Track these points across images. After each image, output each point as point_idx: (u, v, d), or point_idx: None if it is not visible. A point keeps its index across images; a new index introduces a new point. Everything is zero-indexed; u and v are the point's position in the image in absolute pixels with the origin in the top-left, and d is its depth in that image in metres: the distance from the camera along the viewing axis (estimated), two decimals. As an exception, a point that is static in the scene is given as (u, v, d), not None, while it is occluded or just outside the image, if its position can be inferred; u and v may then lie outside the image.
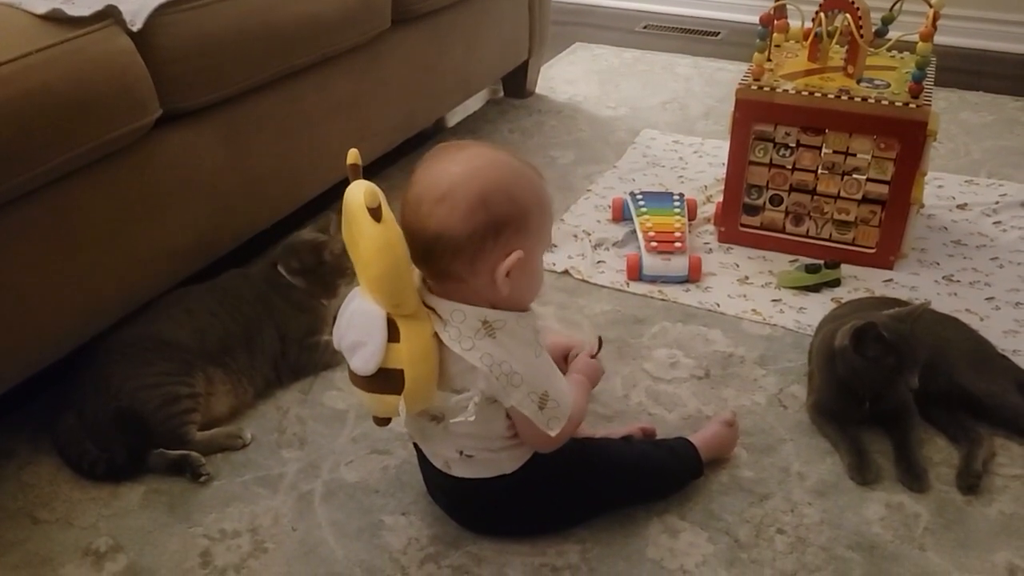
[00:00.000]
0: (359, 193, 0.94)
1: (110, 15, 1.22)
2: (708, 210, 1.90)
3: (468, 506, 1.14)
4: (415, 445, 1.15)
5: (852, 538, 1.13)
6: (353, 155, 0.99)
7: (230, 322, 1.35)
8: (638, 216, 1.79)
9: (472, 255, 0.96)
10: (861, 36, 1.60)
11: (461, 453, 1.06)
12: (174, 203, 1.38)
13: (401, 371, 0.97)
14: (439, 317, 0.99)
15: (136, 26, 1.24)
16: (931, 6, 1.57)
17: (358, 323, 0.99)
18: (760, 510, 1.17)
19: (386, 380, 0.98)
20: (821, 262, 1.66)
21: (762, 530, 1.14)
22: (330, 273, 1.44)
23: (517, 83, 2.56)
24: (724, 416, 1.27)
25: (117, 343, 1.29)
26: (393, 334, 0.96)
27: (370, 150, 1.88)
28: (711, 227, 1.85)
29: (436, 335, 0.98)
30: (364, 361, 0.98)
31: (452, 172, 0.96)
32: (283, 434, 1.31)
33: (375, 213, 0.93)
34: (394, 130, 1.96)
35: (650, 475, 1.18)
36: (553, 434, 1.02)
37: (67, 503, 1.18)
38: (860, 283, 1.66)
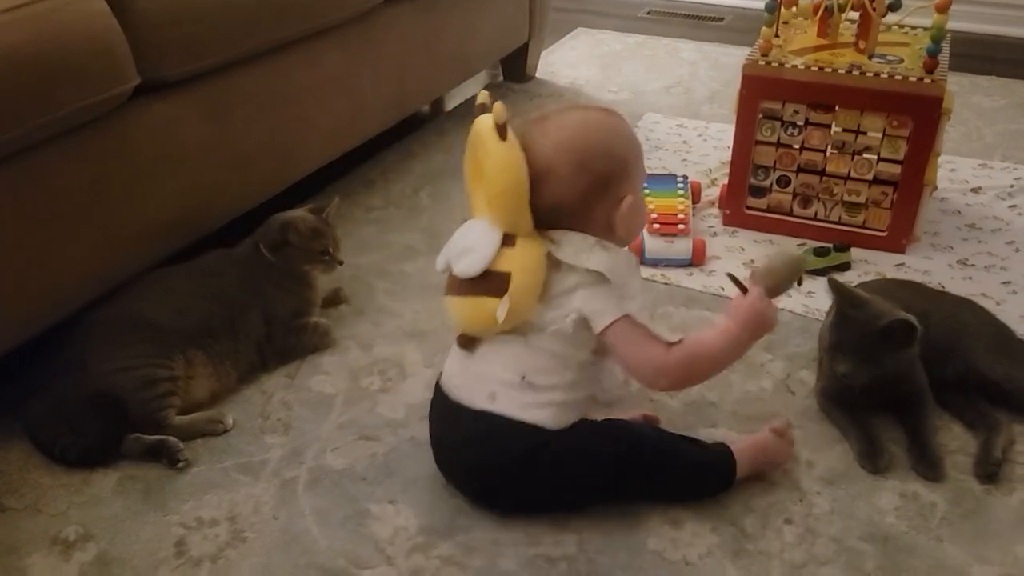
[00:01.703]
0: (487, 117, 1.01)
1: (85, -23, 1.16)
2: (712, 193, 1.84)
3: (489, 461, 1.05)
4: (435, 401, 1.12)
5: (865, 529, 1.07)
6: (483, 96, 1.04)
7: (213, 303, 1.29)
8: (640, 198, 1.73)
9: (586, 213, 1.04)
10: (874, 9, 1.54)
11: (523, 378, 1.04)
12: (155, 177, 1.32)
13: (508, 274, 1.00)
14: (551, 240, 1.04)
15: (113, -11, 1.18)
16: (946, -23, 1.50)
17: (472, 234, 1.04)
18: (767, 499, 1.11)
19: (490, 282, 1.01)
20: (830, 245, 1.60)
21: (769, 520, 1.08)
22: (294, 255, 1.37)
23: (517, 67, 2.50)
24: (774, 424, 1.17)
25: (93, 323, 1.23)
26: (508, 240, 1.01)
27: (363, 128, 1.83)
28: (716, 210, 1.79)
29: (548, 256, 1.02)
30: (472, 263, 1.01)
31: (547, 148, 1.02)
32: (267, 419, 1.25)
33: (501, 131, 0.99)
34: (388, 108, 1.90)
35: (679, 477, 1.10)
36: (671, 341, 1.04)
37: (37, 490, 1.13)
38: (871, 267, 1.60)
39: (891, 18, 1.64)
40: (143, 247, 1.34)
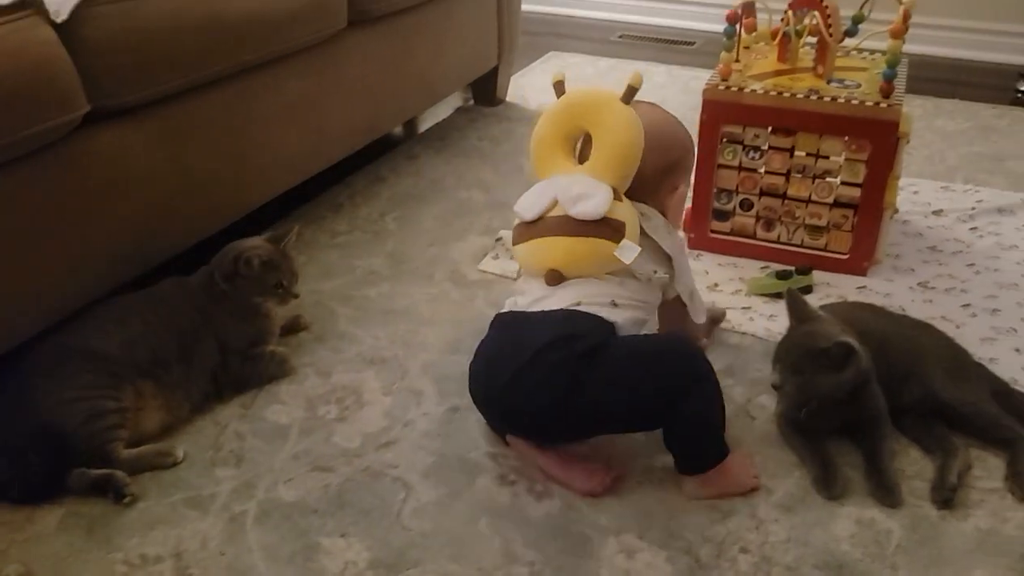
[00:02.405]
0: (593, 86, 1.24)
1: (32, 4, 1.15)
2: (677, 216, 1.84)
3: (559, 344, 1.10)
4: (498, 323, 1.20)
5: (820, 556, 1.06)
6: (559, 75, 1.28)
7: (164, 333, 1.27)
8: (603, 222, 1.73)
9: (653, 187, 1.24)
10: (830, 35, 1.55)
11: (612, 301, 1.16)
12: (106, 205, 1.31)
13: (623, 223, 1.16)
14: (639, 212, 1.21)
15: (61, 17, 1.17)
16: (901, 3, 1.52)
17: (583, 183, 1.18)
18: (723, 528, 1.10)
19: (608, 227, 1.15)
20: (792, 268, 1.60)
21: (725, 549, 1.07)
22: (245, 287, 1.34)
23: (487, 90, 2.50)
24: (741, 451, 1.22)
25: (39, 354, 1.21)
26: (616, 194, 1.17)
27: (328, 154, 1.82)
28: (681, 234, 1.78)
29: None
30: (596, 206, 1.15)
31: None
32: (219, 451, 1.23)
33: (631, 93, 1.19)
34: (354, 133, 1.89)
35: (704, 414, 1.12)
36: (700, 321, 1.29)
37: (-22, 527, 1.10)
38: (833, 290, 1.60)
39: (848, 43, 1.65)
40: (92, 276, 1.32)
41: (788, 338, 1.22)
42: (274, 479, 1.18)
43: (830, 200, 1.61)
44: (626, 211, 1.17)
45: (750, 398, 1.33)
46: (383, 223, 1.87)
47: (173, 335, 1.28)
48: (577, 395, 1.09)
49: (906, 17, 1.51)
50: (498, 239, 1.76)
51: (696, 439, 1.12)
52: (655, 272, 1.21)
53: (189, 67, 1.37)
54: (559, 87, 1.26)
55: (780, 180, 1.63)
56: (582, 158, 1.24)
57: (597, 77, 2.76)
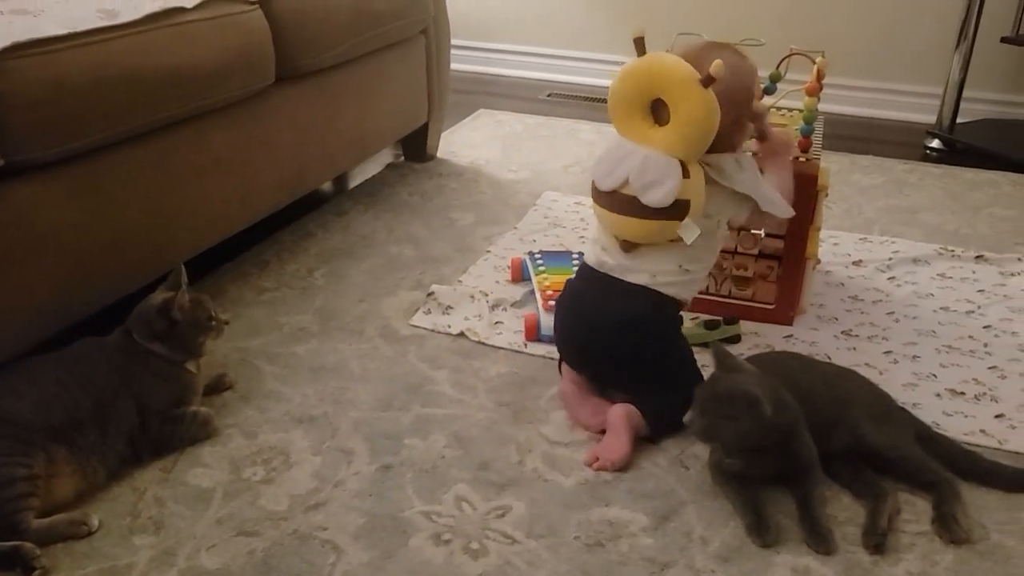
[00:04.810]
0: (678, 60, 1.26)
1: (-58, 56, 1.11)
2: (608, 269, 1.86)
3: (632, 315, 1.33)
4: (582, 274, 1.42)
5: (758, 607, 1.05)
6: (638, 30, 1.29)
7: (80, 394, 1.21)
8: (536, 274, 1.74)
9: (727, 134, 1.31)
10: (750, 92, 1.61)
11: (680, 266, 1.34)
12: (18, 262, 1.25)
13: (688, 202, 1.27)
14: (707, 164, 1.31)
15: (-26, 69, 1.14)
16: (815, 63, 1.59)
17: (653, 167, 1.27)
18: (661, 581, 1.09)
19: (675, 208, 1.27)
20: (720, 318, 1.62)
21: (663, 603, 1.06)
22: (186, 332, 1.32)
23: (417, 147, 2.51)
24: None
25: (-59, 420, 1.14)
26: (685, 172, 1.26)
27: (253, 209, 1.79)
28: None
29: (706, 177, 1.30)
30: (665, 195, 1.26)
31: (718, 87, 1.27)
32: (137, 518, 1.17)
33: (709, 82, 1.22)
34: (281, 189, 1.86)
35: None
36: (791, 215, 1.41)
37: None
38: (760, 339, 1.63)
39: (767, 100, 1.71)
40: (5, 336, 1.26)
41: (708, 382, 1.23)
42: (196, 546, 1.13)
43: (755, 252, 1.65)
44: (693, 186, 1.28)
45: (684, 448, 1.33)
46: (311, 279, 1.84)
47: (88, 396, 1.22)
48: (635, 358, 1.34)
49: (820, 76, 1.58)
50: (430, 294, 1.75)
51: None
52: (717, 223, 1.35)
53: (110, 121, 1.34)
54: (639, 43, 1.29)
55: (707, 232, 1.66)
56: (658, 118, 1.30)
57: (527, 134, 2.80)
